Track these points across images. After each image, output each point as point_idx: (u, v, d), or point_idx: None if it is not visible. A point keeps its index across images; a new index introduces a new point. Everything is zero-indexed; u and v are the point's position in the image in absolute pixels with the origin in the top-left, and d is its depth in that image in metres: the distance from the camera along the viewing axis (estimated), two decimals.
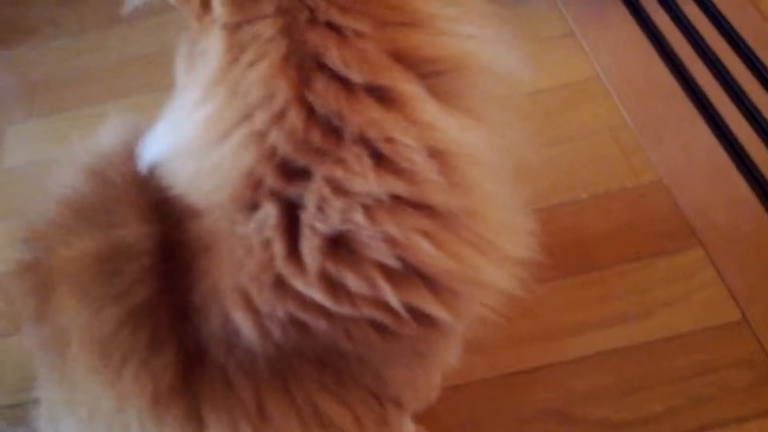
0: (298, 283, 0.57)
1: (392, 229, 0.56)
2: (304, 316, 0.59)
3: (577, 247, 1.12)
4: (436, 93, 0.57)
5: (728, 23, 1.35)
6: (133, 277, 0.63)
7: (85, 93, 1.53)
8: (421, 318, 0.61)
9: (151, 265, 0.63)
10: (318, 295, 0.57)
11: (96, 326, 0.63)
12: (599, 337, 1.03)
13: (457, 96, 0.59)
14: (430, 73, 0.57)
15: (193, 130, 0.58)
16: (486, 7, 0.65)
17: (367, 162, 0.55)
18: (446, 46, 0.58)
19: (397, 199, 0.56)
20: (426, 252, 0.57)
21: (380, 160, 0.55)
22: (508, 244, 0.64)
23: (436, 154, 0.56)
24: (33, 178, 1.37)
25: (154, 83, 1.44)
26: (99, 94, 1.51)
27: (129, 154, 0.66)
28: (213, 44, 0.57)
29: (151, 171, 0.63)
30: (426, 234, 0.57)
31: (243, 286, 0.59)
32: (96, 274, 0.64)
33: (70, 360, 0.66)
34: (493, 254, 0.62)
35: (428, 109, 0.56)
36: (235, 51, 0.56)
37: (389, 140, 0.55)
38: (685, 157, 1.20)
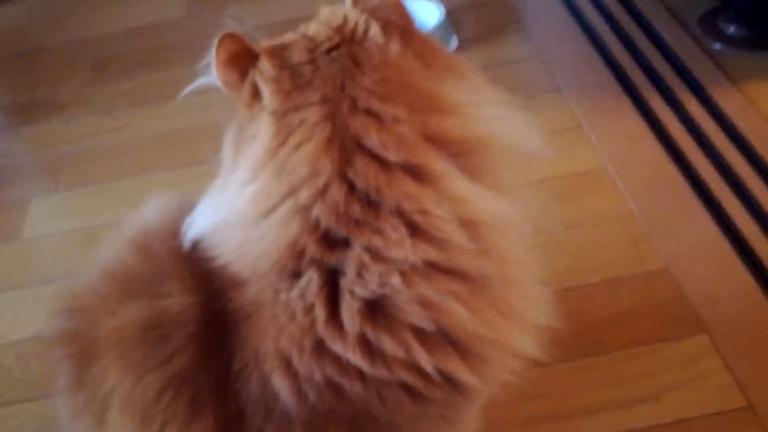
0: (337, 347, 0.61)
1: (427, 292, 0.60)
2: (340, 378, 0.62)
3: (588, 330, 1.15)
4: (465, 169, 0.63)
5: (729, 120, 1.42)
6: (177, 344, 0.66)
7: (110, 168, 1.59)
8: (451, 382, 0.64)
9: (195, 333, 0.66)
10: (355, 357, 0.61)
11: (139, 392, 0.66)
12: (609, 419, 1.04)
13: (485, 172, 0.64)
14: (459, 152, 0.63)
15: (241, 205, 0.63)
16: (506, 96, 0.71)
17: (403, 231, 0.60)
18: (473, 128, 0.65)
19: (431, 265, 0.61)
20: (459, 315, 0.61)
21: (415, 230, 0.60)
22: (534, 310, 0.68)
23: (467, 224, 0.61)
24: (52, 250, 1.41)
25: (176, 160, 1.50)
26: (123, 170, 1.57)
27: (172, 228, 0.71)
28: (262, 129, 0.63)
29: (196, 244, 0.67)
30: (459, 298, 0.61)
31: (283, 350, 0.62)
32: (140, 341, 0.67)
33: (109, 426, 0.68)
34: (521, 321, 0.66)
35: (458, 184, 0.62)
36: (282, 134, 0.62)
37: (423, 212, 0.60)
38: (690, 247, 1.24)
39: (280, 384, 0.63)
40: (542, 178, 1.35)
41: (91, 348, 0.70)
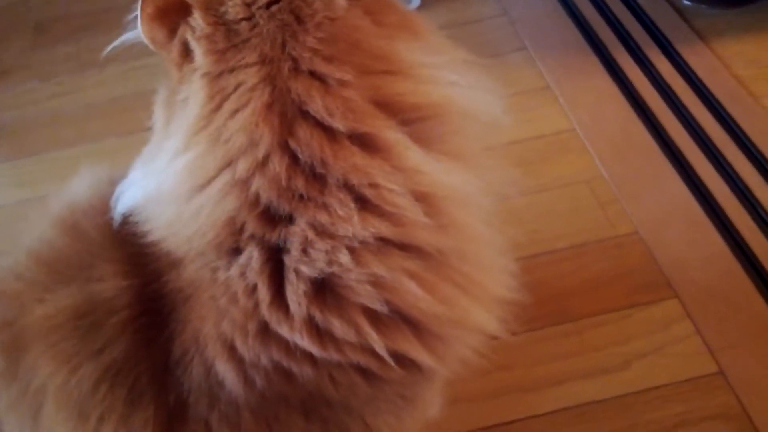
0: (283, 330, 0.56)
1: (379, 271, 0.55)
2: (289, 363, 0.57)
3: (554, 297, 1.11)
4: (419, 138, 0.57)
5: (699, 79, 1.38)
6: (111, 332, 0.61)
7: (55, 136, 1.51)
8: (407, 363, 0.59)
9: (130, 319, 0.61)
10: (304, 341, 0.56)
11: (73, 385, 0.61)
12: (577, 389, 1.01)
13: (440, 140, 0.59)
14: (413, 119, 0.58)
15: (174, 177, 0.57)
16: (468, 56, 0.65)
17: (352, 206, 0.54)
18: (428, 93, 0.59)
19: (383, 241, 0.56)
20: (414, 294, 0.56)
21: (365, 205, 0.55)
22: (495, 284, 0.64)
23: (421, 197, 0.56)
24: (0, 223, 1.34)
25: (124, 128, 1.43)
26: (69, 138, 1.49)
27: (103, 205, 0.65)
28: (194, 92, 0.57)
29: (128, 219, 0.61)
30: (413, 275, 0.56)
31: (226, 334, 0.58)
32: (72, 330, 0.62)
33: (44, 421, 0.63)
34: (481, 296, 0.61)
35: (412, 154, 0.56)
36: (217, 99, 0.56)
37: (373, 185, 0.55)
38: (661, 210, 1.20)
39: (225, 370, 0.58)
40: (508, 141, 1.32)
41: (21, 338, 0.65)
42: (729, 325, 1.04)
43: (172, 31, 0.58)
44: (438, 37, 0.64)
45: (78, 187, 0.72)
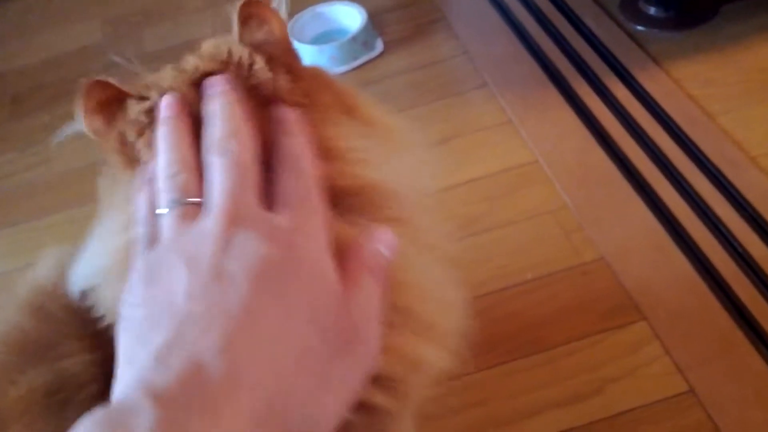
0: None
1: None
2: None
3: (526, 329, 1.13)
4: (348, 217, 0.59)
5: (657, 103, 1.42)
6: (80, 407, 0.63)
7: (32, 206, 1.54)
8: (365, 407, 0.61)
9: (98, 393, 0.62)
10: None
11: None
12: (553, 418, 1.03)
13: (371, 215, 0.61)
14: (342, 200, 0.59)
15: (108, 258, 0.60)
16: (400, 123, 0.68)
17: None
18: (357, 175, 0.61)
19: None
20: None
21: None
22: (446, 321, 0.66)
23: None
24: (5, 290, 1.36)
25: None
26: (48, 206, 1.52)
27: (66, 284, 0.67)
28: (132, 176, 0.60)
29: (83, 298, 0.64)
30: None
31: None
32: (44, 408, 0.63)
33: None
34: (429, 333, 0.63)
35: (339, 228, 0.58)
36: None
37: None
38: (625, 235, 1.23)
39: None
40: (474, 177, 1.36)
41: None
42: (697, 344, 1.07)
43: (110, 121, 0.61)
44: (371, 108, 0.67)
45: (41, 269, 0.75)
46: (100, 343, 0.63)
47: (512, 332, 1.13)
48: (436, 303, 0.66)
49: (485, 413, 1.05)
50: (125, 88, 0.61)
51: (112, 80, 0.61)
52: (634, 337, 1.09)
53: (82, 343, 0.64)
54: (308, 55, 1.64)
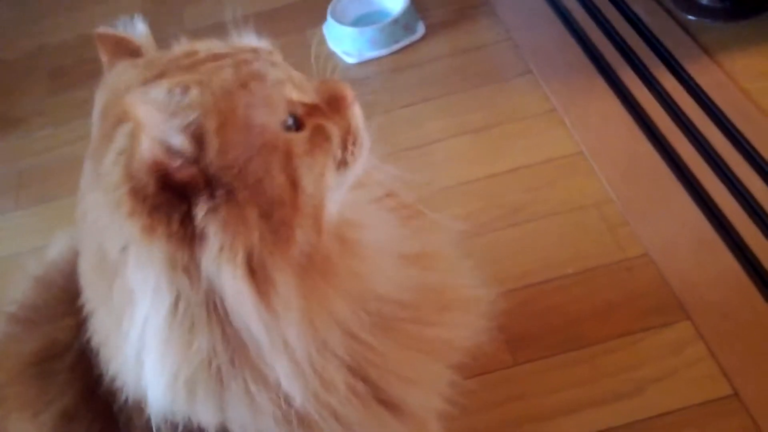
0: None
1: None
2: None
3: (567, 324, 1.11)
4: None
5: (707, 95, 1.37)
6: (61, 378, 0.64)
7: (71, 181, 1.51)
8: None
9: (73, 363, 0.63)
10: None
11: None
12: (590, 417, 1.01)
13: None
14: None
15: None
16: None
17: None
18: None
19: None
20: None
21: None
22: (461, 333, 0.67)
23: None
24: (18, 270, 1.37)
25: None
26: None
27: (73, 255, 0.67)
28: None
29: None
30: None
31: None
32: (31, 377, 0.65)
33: None
34: (441, 351, 0.65)
35: None
36: None
37: None
38: (670, 230, 1.20)
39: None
40: (516, 167, 1.33)
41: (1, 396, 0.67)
42: (743, 346, 1.03)
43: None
44: None
45: (53, 249, 0.75)
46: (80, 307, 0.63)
47: (552, 327, 1.10)
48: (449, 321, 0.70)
49: (522, 408, 1.02)
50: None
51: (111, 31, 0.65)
52: (677, 336, 1.06)
53: (69, 305, 0.64)
54: (348, 37, 1.61)
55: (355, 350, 0.60)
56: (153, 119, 0.50)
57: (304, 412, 0.57)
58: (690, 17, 1.55)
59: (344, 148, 0.61)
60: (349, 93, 0.62)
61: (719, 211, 1.20)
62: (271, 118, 0.56)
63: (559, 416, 1.02)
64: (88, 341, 0.61)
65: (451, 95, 1.52)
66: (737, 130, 1.30)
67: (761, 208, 1.18)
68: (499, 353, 1.06)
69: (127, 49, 0.65)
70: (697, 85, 1.40)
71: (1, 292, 1.29)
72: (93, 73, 1.89)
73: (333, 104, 0.61)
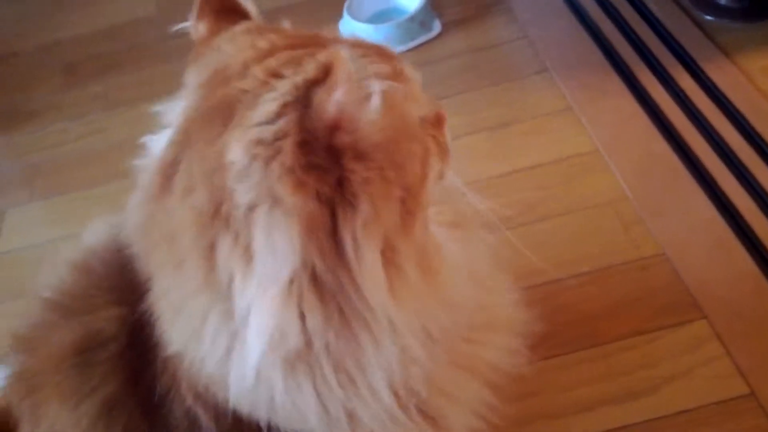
0: None
1: None
2: None
3: (581, 321, 1.10)
4: None
5: (724, 95, 1.37)
6: (104, 367, 0.63)
7: (86, 175, 1.55)
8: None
9: (119, 353, 0.63)
10: None
11: (75, 422, 0.63)
12: (605, 415, 1.00)
13: None
14: None
15: None
16: None
17: None
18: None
19: None
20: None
21: None
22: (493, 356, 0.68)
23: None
24: (32, 262, 1.37)
25: None
26: (99, 176, 1.53)
27: (113, 245, 0.67)
28: None
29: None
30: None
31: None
32: (72, 367, 0.64)
33: None
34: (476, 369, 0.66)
35: None
36: None
37: None
38: (686, 229, 1.19)
39: (198, 411, 0.60)
40: (532, 165, 1.32)
41: (33, 383, 0.67)
42: (759, 345, 1.03)
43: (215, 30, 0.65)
44: None
45: (91, 234, 0.75)
46: (129, 298, 0.63)
47: (567, 324, 1.10)
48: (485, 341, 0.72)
49: (537, 405, 1.02)
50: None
51: None
52: (693, 335, 1.06)
53: (112, 295, 0.65)
54: (364, 34, 1.61)
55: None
56: (350, 78, 0.49)
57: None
58: (707, 17, 1.54)
59: (443, 161, 0.64)
60: (445, 113, 0.65)
61: (735, 209, 1.19)
62: (416, 113, 0.59)
63: (574, 414, 1.01)
64: (135, 329, 0.61)
65: (467, 93, 1.52)
66: (754, 130, 1.30)
67: None
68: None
69: (235, 13, 0.64)
70: (713, 84, 1.40)
71: (18, 282, 1.32)
72: (106, 68, 1.92)
73: (434, 120, 0.64)
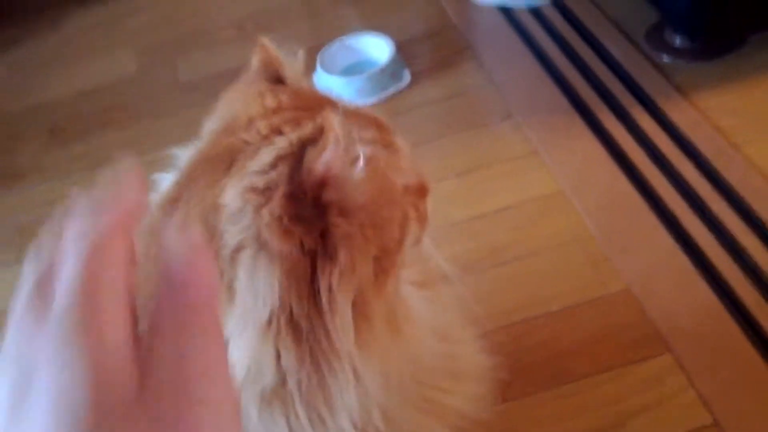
0: None
1: None
2: None
3: (552, 359, 1.15)
4: None
5: (682, 133, 1.43)
6: None
7: None
8: None
9: None
10: None
11: None
12: None
13: None
14: None
15: None
16: None
17: None
18: None
19: None
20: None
21: None
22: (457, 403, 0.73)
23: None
24: None
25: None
26: None
27: None
28: None
29: None
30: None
31: None
32: None
33: None
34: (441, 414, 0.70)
35: None
36: None
37: None
38: (650, 264, 1.24)
39: None
40: (501, 207, 1.37)
41: None
42: (722, 376, 1.07)
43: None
44: None
45: None
46: None
47: (538, 363, 1.14)
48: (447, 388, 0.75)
49: None
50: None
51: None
52: (658, 368, 1.10)
53: None
54: (337, 86, 1.67)
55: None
56: (340, 141, 0.54)
57: None
58: (664, 58, 1.61)
59: (421, 228, 0.68)
60: (429, 185, 0.70)
61: (696, 245, 1.24)
62: (399, 181, 0.64)
63: None
64: None
65: (437, 140, 1.57)
66: (711, 167, 1.35)
67: (736, 241, 1.22)
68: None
69: (273, 71, 0.70)
70: (672, 123, 1.46)
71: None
72: (89, 128, 1.95)
73: (417, 189, 0.69)
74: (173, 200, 0.61)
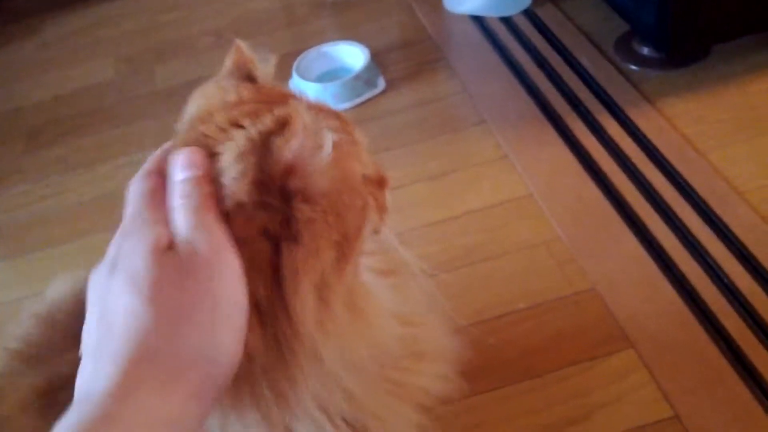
0: None
1: None
2: None
3: (520, 356, 1.17)
4: None
5: (648, 140, 1.47)
6: (61, 407, 0.67)
7: (47, 235, 1.60)
8: None
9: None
10: None
11: None
12: None
13: None
14: None
15: None
16: None
17: None
18: None
19: None
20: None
21: None
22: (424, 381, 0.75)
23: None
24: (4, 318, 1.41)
25: (113, 223, 1.50)
26: (61, 236, 1.58)
27: (77, 297, 0.72)
28: None
29: None
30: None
31: None
32: (38, 410, 0.68)
33: None
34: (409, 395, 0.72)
35: None
36: None
37: None
38: (616, 266, 1.27)
39: None
40: (471, 210, 1.41)
41: (5, 429, 0.71)
42: (683, 373, 1.10)
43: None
44: None
45: (53, 290, 0.80)
46: None
47: (507, 359, 1.17)
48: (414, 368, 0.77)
49: None
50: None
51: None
52: (622, 364, 1.13)
53: (75, 340, 0.69)
54: (312, 92, 1.70)
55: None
56: (308, 128, 0.56)
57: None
58: (632, 67, 1.66)
59: (380, 217, 0.71)
60: (388, 178, 0.73)
61: (661, 247, 1.27)
62: (360, 171, 0.66)
63: None
64: None
65: (411, 145, 1.60)
66: (677, 172, 1.39)
67: (699, 244, 1.26)
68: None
69: (246, 72, 0.71)
70: (639, 130, 1.50)
71: None
72: (66, 132, 1.97)
73: (377, 180, 0.71)
74: None
